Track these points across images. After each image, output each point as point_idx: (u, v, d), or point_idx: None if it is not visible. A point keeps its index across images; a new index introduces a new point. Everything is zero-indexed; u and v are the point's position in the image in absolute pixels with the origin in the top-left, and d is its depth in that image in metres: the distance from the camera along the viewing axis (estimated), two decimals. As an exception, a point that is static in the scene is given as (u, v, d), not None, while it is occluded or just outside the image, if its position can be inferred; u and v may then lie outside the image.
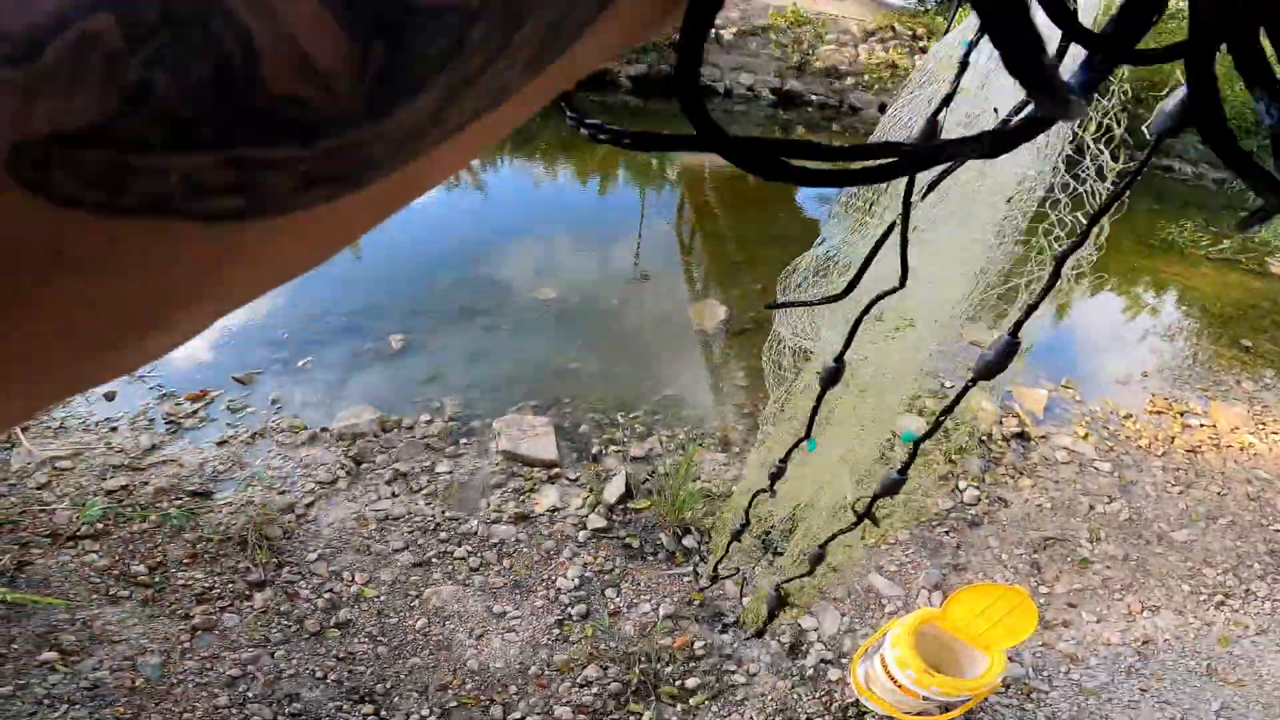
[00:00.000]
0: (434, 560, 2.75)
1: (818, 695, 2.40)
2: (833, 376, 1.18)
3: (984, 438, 4.08)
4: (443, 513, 2.97)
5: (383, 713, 2.20)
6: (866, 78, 10.65)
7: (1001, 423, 4.23)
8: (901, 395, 1.54)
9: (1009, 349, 0.68)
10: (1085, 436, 4.22)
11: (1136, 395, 4.76)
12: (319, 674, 2.27)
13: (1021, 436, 4.16)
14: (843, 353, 1.16)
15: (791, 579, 2.16)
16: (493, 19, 0.18)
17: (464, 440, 3.45)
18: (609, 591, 2.72)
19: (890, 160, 0.27)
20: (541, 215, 6.38)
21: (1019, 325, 0.68)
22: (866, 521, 1.34)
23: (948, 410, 0.85)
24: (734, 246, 6.11)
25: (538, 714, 2.26)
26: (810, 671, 2.46)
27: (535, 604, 2.62)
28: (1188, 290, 6.66)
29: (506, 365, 4.10)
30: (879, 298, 0.94)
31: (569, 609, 2.61)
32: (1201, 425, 4.44)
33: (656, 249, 5.93)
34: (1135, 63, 0.25)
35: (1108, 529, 3.42)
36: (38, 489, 2.72)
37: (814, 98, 10.45)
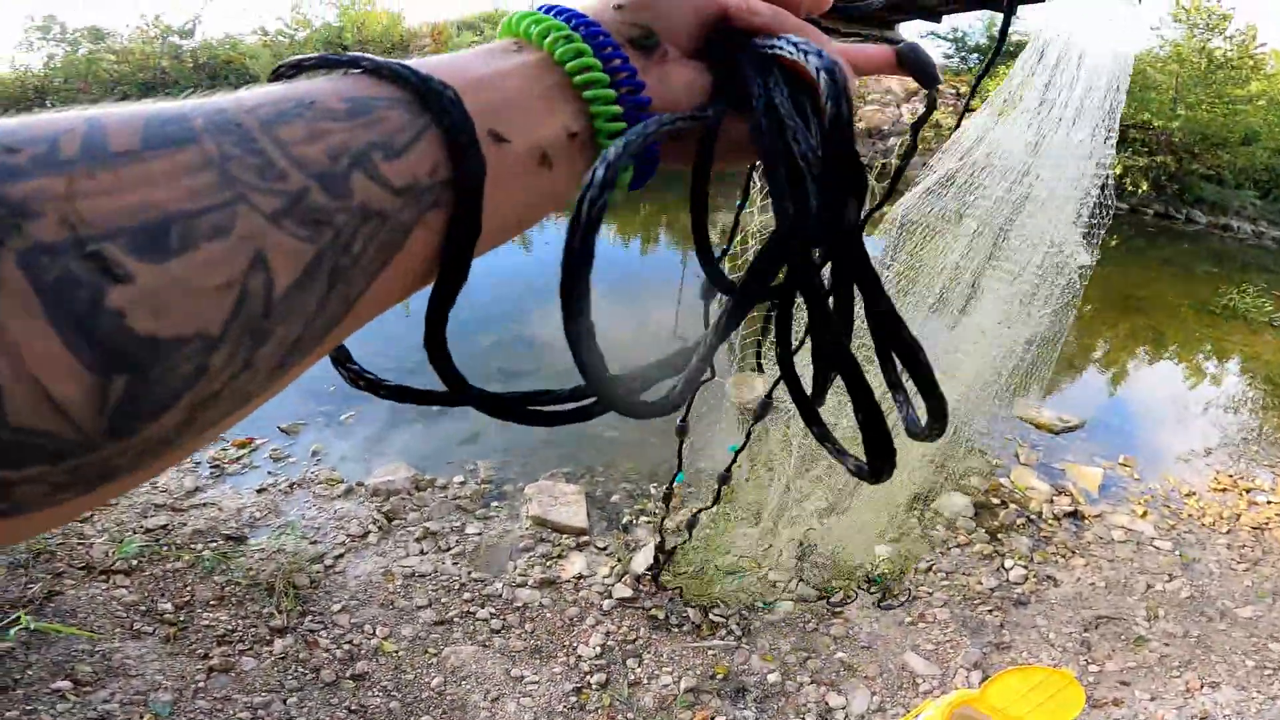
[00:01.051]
0: (456, 620, 2.74)
1: None
2: (760, 412, 1.22)
3: (1033, 516, 3.90)
4: (469, 573, 2.99)
5: (390, 770, 2.16)
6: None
7: (1053, 501, 4.04)
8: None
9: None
10: (1144, 515, 4.00)
11: (1199, 472, 4.50)
12: (330, 725, 2.25)
13: (1075, 515, 3.96)
14: (770, 391, 1.21)
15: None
16: (235, 343, 0.19)
17: (495, 503, 3.49)
18: (630, 661, 2.66)
19: (588, 402, 0.33)
20: (582, 277, 6.50)
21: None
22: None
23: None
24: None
25: None
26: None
27: (554, 670, 2.56)
28: (1251, 359, 6.33)
29: (542, 430, 4.14)
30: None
31: (588, 677, 2.55)
32: (1269, 502, 4.15)
33: (696, 314, 5.97)
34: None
35: (1166, 607, 3.19)
36: (79, 522, 2.84)
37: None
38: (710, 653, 2.74)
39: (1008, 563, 3.46)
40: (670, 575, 3.08)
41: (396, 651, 2.56)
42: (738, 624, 2.89)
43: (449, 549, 3.12)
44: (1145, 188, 9.28)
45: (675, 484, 1.30)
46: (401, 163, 0.23)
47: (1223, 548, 3.71)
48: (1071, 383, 5.78)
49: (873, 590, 3.20)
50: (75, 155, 0.17)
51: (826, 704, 2.50)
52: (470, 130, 0.24)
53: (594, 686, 2.53)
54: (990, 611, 3.10)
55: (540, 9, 0.29)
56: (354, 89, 0.23)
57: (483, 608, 2.82)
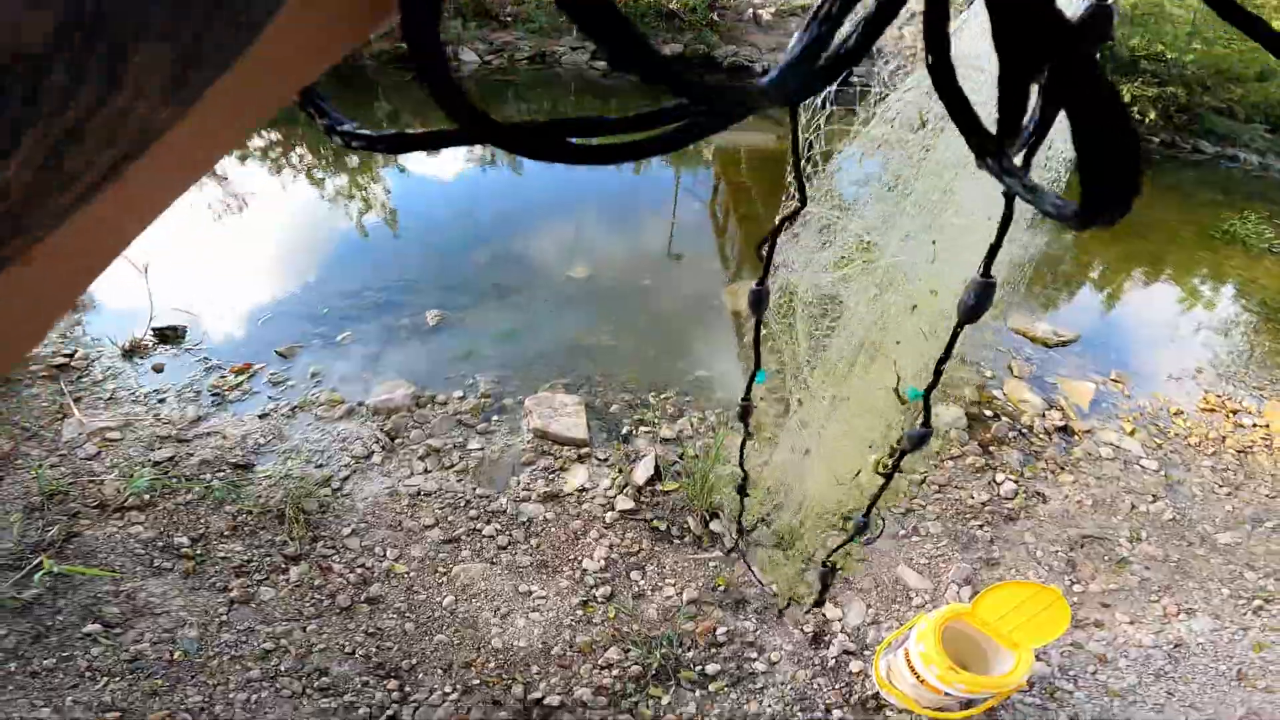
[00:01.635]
0: (463, 538, 2.80)
1: (837, 686, 2.39)
2: (742, 415, 1.23)
3: (1025, 430, 3.97)
4: (473, 489, 3.02)
5: (406, 688, 2.26)
6: (910, 57, 10.29)
7: (1044, 415, 4.11)
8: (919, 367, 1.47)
9: (984, 289, 0.67)
10: (1132, 433, 4.08)
11: (1188, 392, 4.58)
12: (348, 649, 2.34)
13: (1065, 430, 4.03)
14: (748, 392, 1.20)
15: (838, 547, 2.14)
16: (73, 61, 0.15)
17: (496, 417, 3.49)
18: (634, 574, 2.74)
19: (682, 123, 0.26)
20: (575, 196, 6.36)
21: (988, 265, 0.67)
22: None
23: (944, 359, 0.85)
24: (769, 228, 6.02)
25: (558, 694, 2.29)
26: (832, 662, 2.45)
27: (560, 584, 2.65)
28: (1247, 284, 6.34)
29: (539, 343, 4.13)
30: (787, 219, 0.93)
31: (594, 590, 2.64)
32: (1255, 425, 4.25)
33: (690, 231, 5.88)
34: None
35: (1149, 529, 3.31)
36: (88, 459, 2.84)
37: (856, 79, 10.17)
38: (711, 564, 2.83)
39: (999, 477, 3.55)
40: (671, 484, 3.13)
41: (407, 573, 2.63)
42: (738, 534, 2.97)
43: (452, 466, 3.15)
44: (1153, 117, 9.09)
45: (757, 383, 1.29)
46: None
47: (1207, 470, 3.81)
48: (1068, 299, 5.77)
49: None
50: None
51: (824, 615, 2.62)
52: None
53: (599, 600, 2.62)
54: (981, 527, 3.21)
55: None
56: None
57: (488, 524, 2.88)
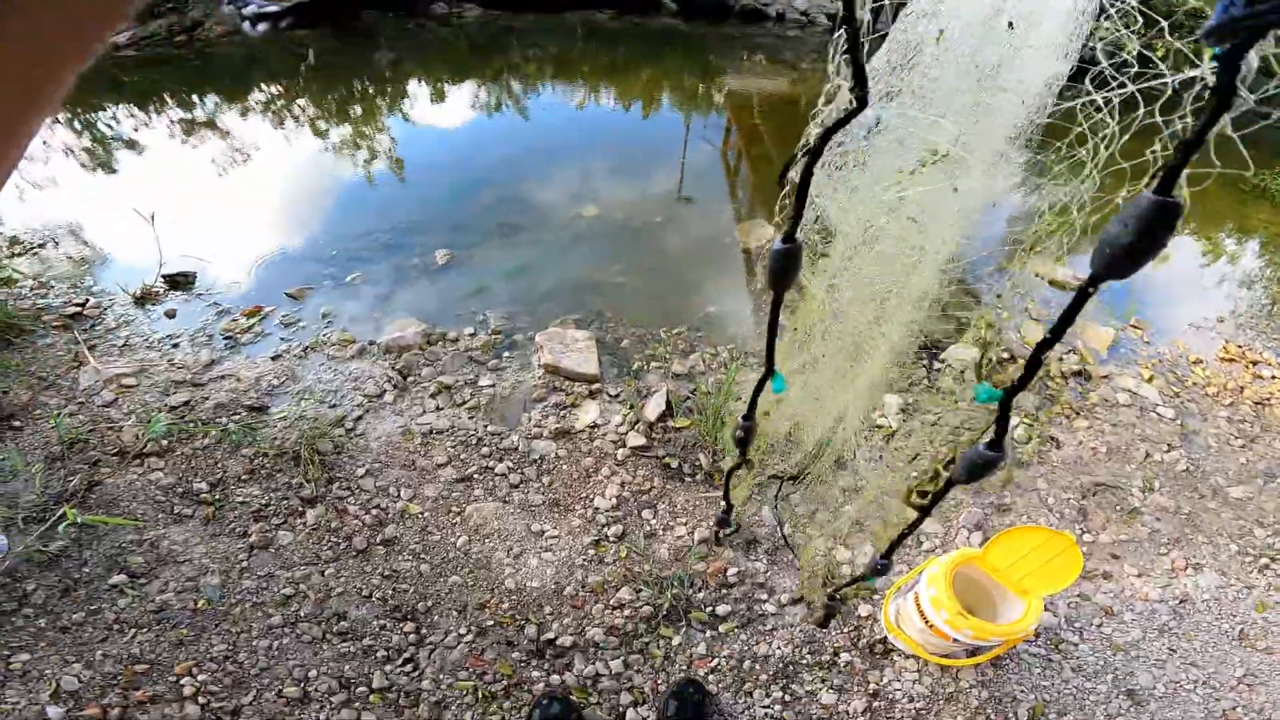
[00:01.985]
0: (475, 476, 2.83)
1: (846, 630, 2.42)
2: (741, 440, 1.15)
3: (1041, 373, 3.93)
4: (485, 427, 3.03)
5: (423, 630, 2.30)
6: None
7: (1062, 359, 4.06)
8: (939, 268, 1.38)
9: (1161, 212, 0.47)
10: (1150, 379, 4.03)
11: (1209, 341, 4.50)
12: (365, 592, 2.38)
13: (1081, 375, 3.99)
14: (751, 411, 1.11)
15: (846, 585, 2.16)
16: None
17: (507, 354, 3.49)
18: (645, 513, 2.76)
19: None
20: (584, 137, 6.23)
21: (1168, 183, 0.50)
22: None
23: (1065, 321, 0.65)
24: (781, 168, 5.89)
25: (570, 634, 2.33)
26: (841, 605, 2.48)
27: (573, 523, 2.68)
28: (1274, 237, 6.17)
29: (549, 280, 4.11)
30: (839, 124, 0.74)
31: (605, 529, 2.67)
32: (1274, 377, 4.18)
33: (701, 172, 5.75)
34: None
35: (1162, 479, 3.30)
36: (105, 406, 2.86)
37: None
38: (723, 503, 2.85)
39: (1013, 420, 3.52)
40: (684, 420, 3.13)
41: (421, 513, 2.66)
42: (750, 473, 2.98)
43: (464, 403, 3.16)
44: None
45: (774, 391, 1.23)
46: None
47: (1223, 421, 3.77)
48: (1090, 245, 5.65)
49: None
50: None
51: (834, 558, 2.64)
52: None
53: (611, 539, 2.65)
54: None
55: None
56: None
57: (500, 462, 2.89)
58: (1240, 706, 2.36)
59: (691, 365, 3.50)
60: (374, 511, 2.64)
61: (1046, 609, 2.56)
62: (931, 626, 2.16)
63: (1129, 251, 0.41)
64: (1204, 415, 3.83)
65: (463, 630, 2.32)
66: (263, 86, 6.46)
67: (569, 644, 2.31)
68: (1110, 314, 4.58)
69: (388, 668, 2.18)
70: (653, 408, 3.14)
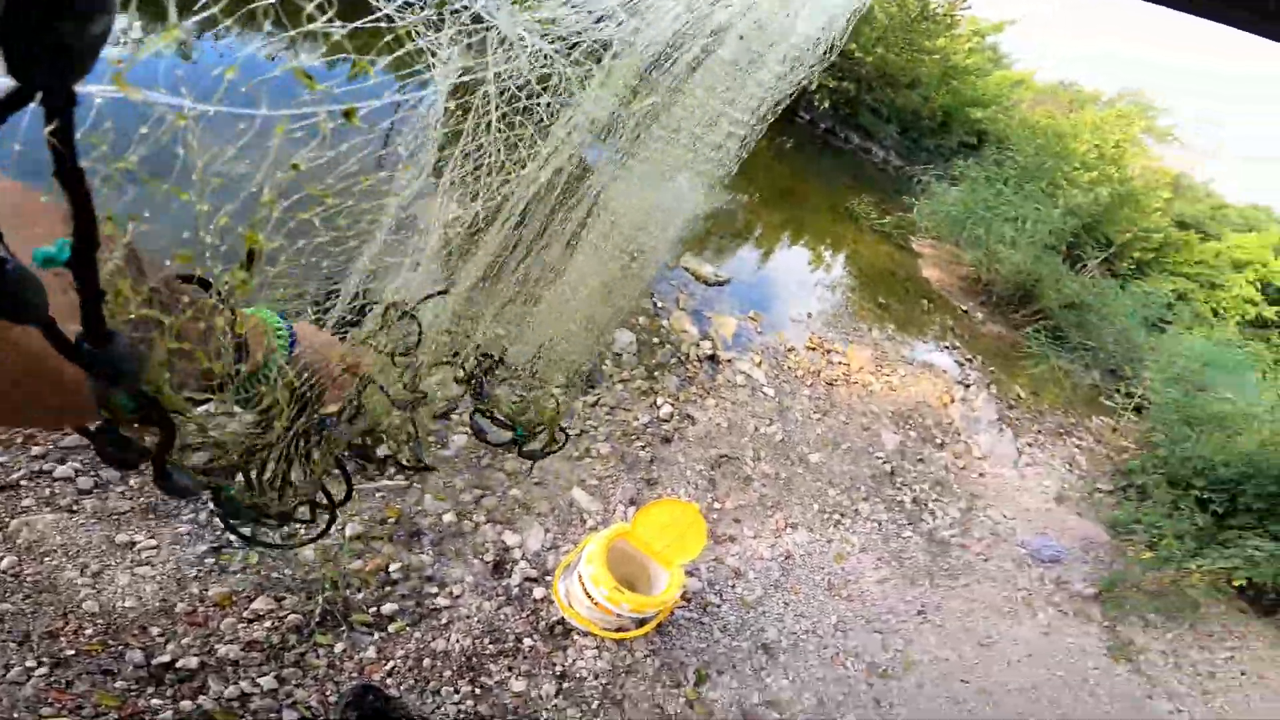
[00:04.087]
0: (23, 484, 2.09)
1: (524, 614, 2.42)
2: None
3: (683, 357, 4.44)
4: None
5: (-34, 674, 1.64)
6: None
7: (699, 345, 4.64)
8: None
9: None
10: (760, 364, 4.85)
11: (801, 332, 5.61)
12: None
13: (713, 359, 4.62)
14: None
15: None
16: None
17: None
18: None
19: None
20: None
21: None
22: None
23: None
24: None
25: (195, 655, 1.90)
26: (515, 591, 2.47)
27: (179, 530, 2.16)
28: (854, 254, 8.07)
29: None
30: None
31: (226, 534, 2.21)
32: (841, 363, 5.41)
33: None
34: None
35: (766, 449, 4.01)
36: None
37: None
38: (379, 495, 2.60)
39: (659, 400, 3.92)
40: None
41: (-70, 531, 1.87)
42: (408, 461, 2.77)
43: None
44: (826, 105, 10.77)
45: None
46: None
47: (806, 398, 4.75)
48: (730, 247, 6.63)
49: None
50: None
51: (504, 543, 2.61)
52: None
53: (236, 544, 2.20)
54: (643, 447, 3.52)
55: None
56: None
57: (62, 464, 2.20)
58: (843, 651, 3.00)
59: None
60: None
61: (691, 575, 2.91)
62: (597, 604, 2.28)
63: None
64: (794, 394, 4.77)
65: (30, 663, 1.71)
66: None
67: (195, 665, 1.88)
68: (735, 307, 5.41)
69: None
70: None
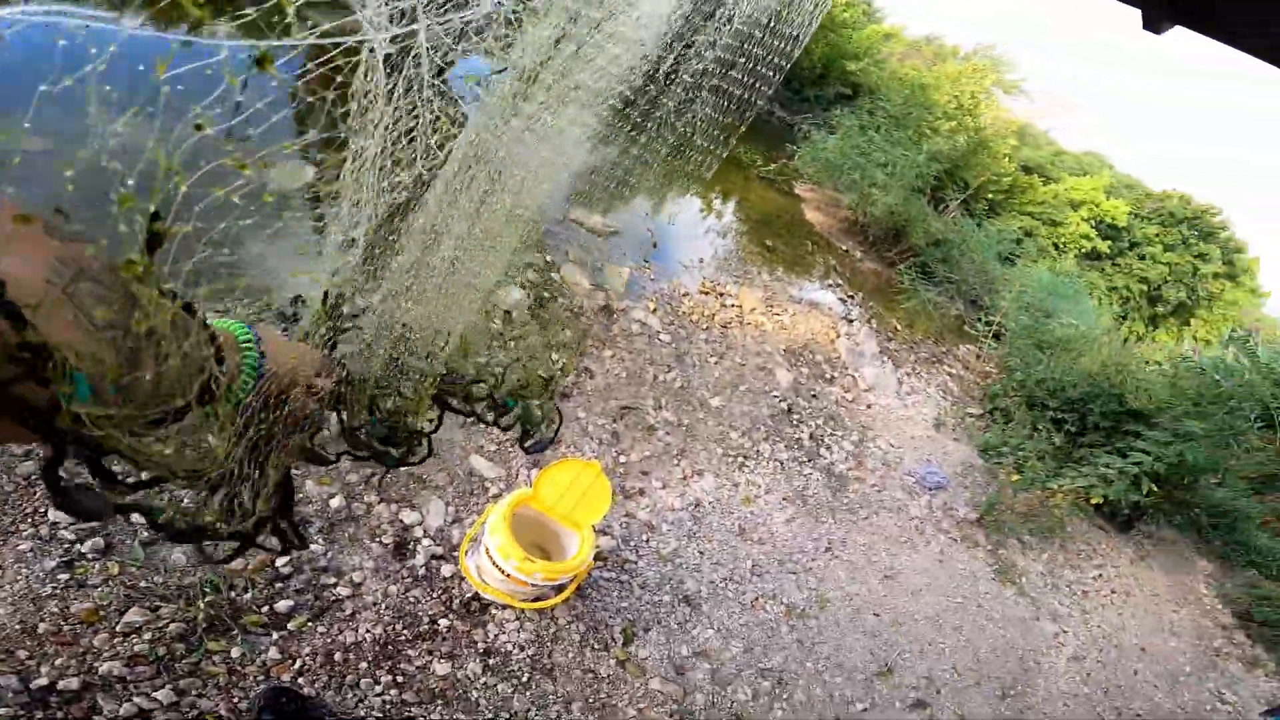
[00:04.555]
0: None
1: (435, 595, 2.32)
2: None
3: (576, 310, 4.36)
4: None
5: None
6: None
7: (590, 296, 4.56)
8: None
9: None
10: (654, 311, 4.85)
11: (694, 277, 5.64)
12: None
13: (606, 310, 4.56)
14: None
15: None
16: None
17: None
18: (137, 515, 2.11)
19: None
20: None
21: None
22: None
23: None
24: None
25: (75, 675, 1.70)
26: (422, 571, 2.36)
27: (19, 547, 1.89)
28: (743, 200, 8.15)
29: None
30: None
31: (76, 546, 1.97)
32: (733, 305, 5.51)
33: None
34: None
35: (667, 396, 4.04)
36: None
37: None
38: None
39: (555, 355, 3.84)
40: None
41: None
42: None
43: None
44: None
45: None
46: None
47: (702, 342, 4.80)
48: (620, 198, 6.50)
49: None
50: None
51: (402, 522, 2.48)
52: None
53: (91, 556, 1.97)
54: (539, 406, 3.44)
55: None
56: None
57: None
58: (761, 595, 3.09)
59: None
60: None
61: (604, 534, 2.90)
62: (509, 576, 2.21)
63: None
64: (690, 339, 4.81)
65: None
66: None
67: (78, 686, 1.68)
68: (626, 257, 5.35)
69: None
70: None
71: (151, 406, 0.48)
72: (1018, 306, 7.35)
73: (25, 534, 1.92)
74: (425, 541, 2.45)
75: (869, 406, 5.35)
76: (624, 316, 4.62)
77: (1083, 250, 13.23)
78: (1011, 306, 7.43)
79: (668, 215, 6.72)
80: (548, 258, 4.74)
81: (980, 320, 7.85)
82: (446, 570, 2.40)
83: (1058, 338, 6.44)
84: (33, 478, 2.06)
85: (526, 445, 1.19)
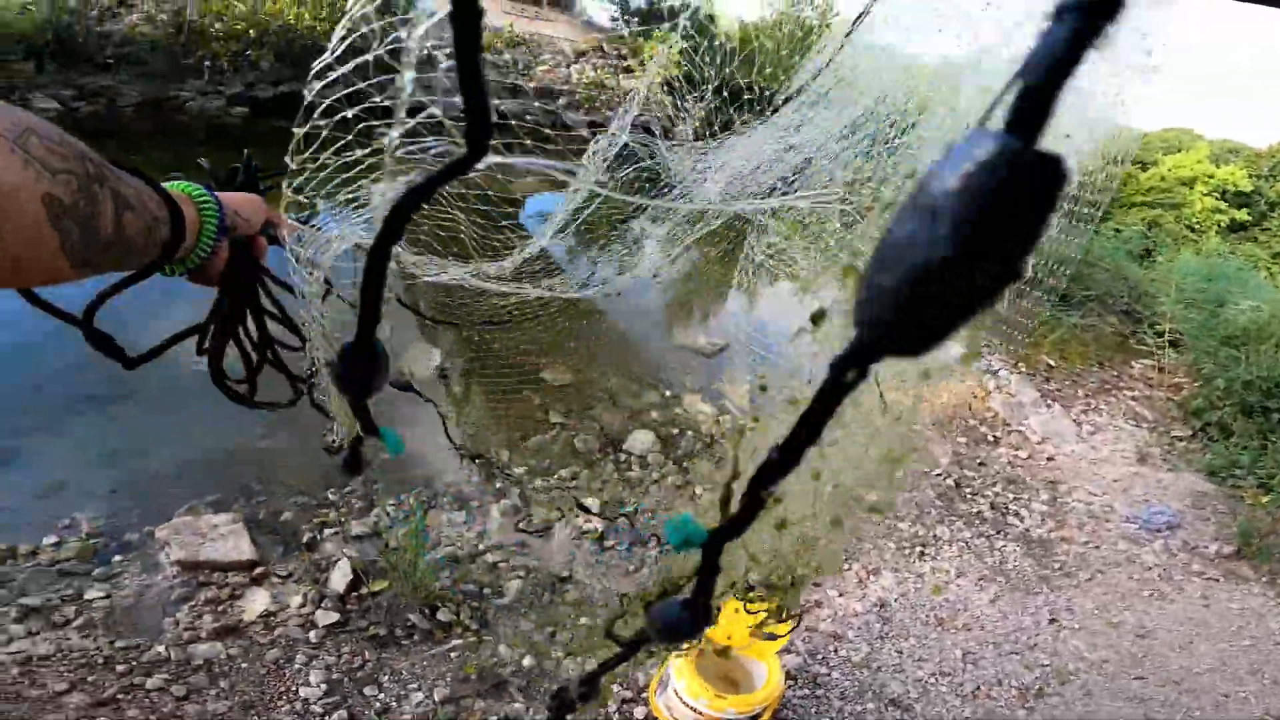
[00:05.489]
0: (120, 698, 2.16)
1: None
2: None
3: (707, 440, 4.40)
4: (111, 643, 2.38)
5: None
6: (578, 96, 11.24)
7: (718, 421, 4.61)
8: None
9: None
10: (781, 414, 4.79)
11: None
12: None
13: (740, 430, 4.57)
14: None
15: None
16: None
17: (118, 557, 2.80)
18: (368, 689, 2.38)
19: None
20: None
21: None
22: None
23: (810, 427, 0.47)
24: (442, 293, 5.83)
25: None
26: (616, 715, 2.36)
27: (281, 721, 2.14)
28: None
29: (164, 458, 3.32)
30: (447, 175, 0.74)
31: (326, 719, 2.18)
32: (863, 391, 5.33)
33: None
34: None
35: (819, 503, 3.89)
36: None
37: (529, 118, 10.76)
38: (453, 655, 2.56)
39: (698, 490, 3.85)
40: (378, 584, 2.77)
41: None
42: (471, 617, 2.73)
43: (68, 622, 2.45)
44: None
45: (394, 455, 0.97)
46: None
47: (841, 437, 4.65)
48: (712, 310, 6.64)
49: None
50: None
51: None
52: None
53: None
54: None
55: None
56: None
57: (150, 676, 2.26)
58: (982, 684, 2.80)
59: (375, 521, 3.13)
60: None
61: (787, 652, 2.76)
62: (701, 714, 2.16)
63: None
64: (824, 435, 4.67)
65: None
66: None
67: None
68: (741, 370, 5.41)
69: None
70: (338, 578, 2.78)
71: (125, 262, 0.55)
72: (1180, 304, 6.56)
73: (283, 710, 2.23)
74: (613, 687, 2.45)
75: (1050, 459, 4.85)
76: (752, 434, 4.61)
77: (1220, 225, 11.76)
78: (1173, 305, 6.64)
79: (764, 309, 6.74)
80: (667, 392, 4.88)
81: (1146, 330, 7.02)
82: (639, 713, 2.38)
83: (1242, 327, 5.65)
84: (279, 661, 2.34)
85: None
